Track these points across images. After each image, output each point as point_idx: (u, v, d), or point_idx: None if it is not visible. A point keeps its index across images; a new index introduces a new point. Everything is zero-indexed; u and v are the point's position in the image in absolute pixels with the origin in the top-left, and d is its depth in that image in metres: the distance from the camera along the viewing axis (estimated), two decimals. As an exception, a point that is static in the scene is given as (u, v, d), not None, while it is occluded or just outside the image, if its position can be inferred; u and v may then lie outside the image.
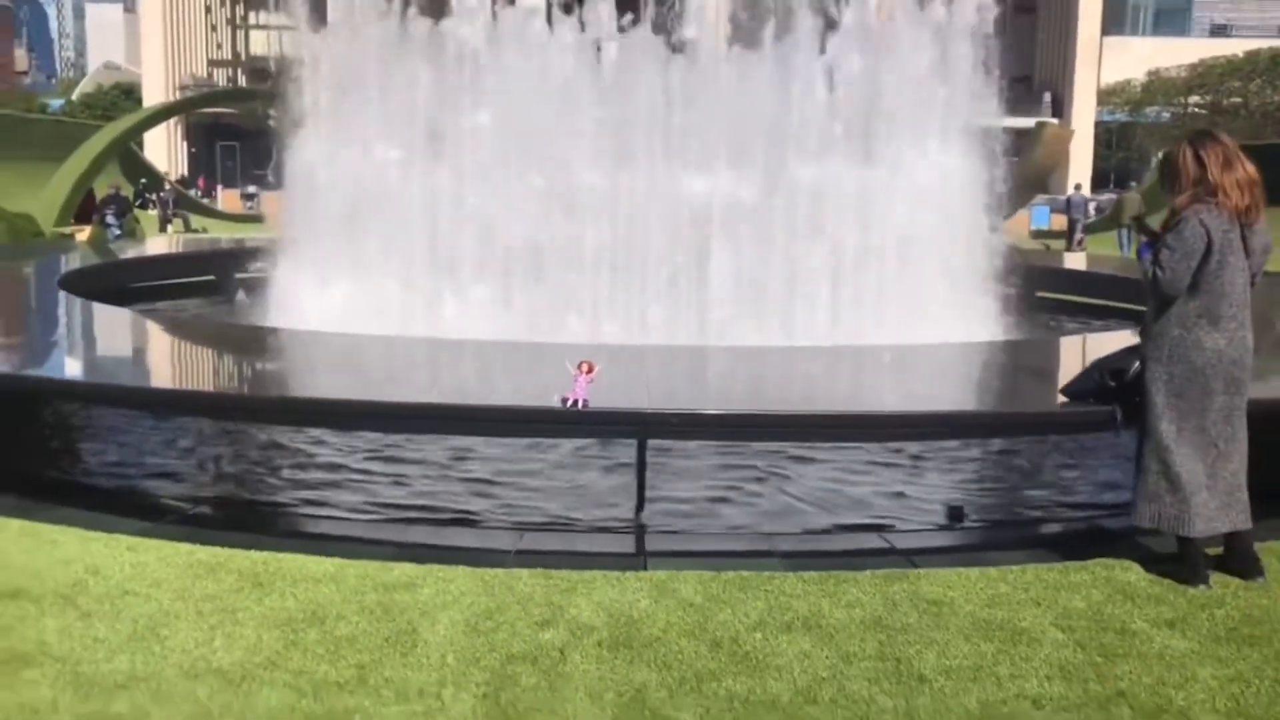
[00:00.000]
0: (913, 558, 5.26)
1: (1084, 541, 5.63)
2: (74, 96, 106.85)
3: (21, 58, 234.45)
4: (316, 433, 7.22)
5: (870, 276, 10.69)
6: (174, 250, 18.00)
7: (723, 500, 6.27)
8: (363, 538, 5.53)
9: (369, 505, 6.15)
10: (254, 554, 5.00)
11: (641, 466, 5.72)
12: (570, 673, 3.90)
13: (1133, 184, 54.75)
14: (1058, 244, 32.11)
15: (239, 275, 14.42)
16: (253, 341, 8.68)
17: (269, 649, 4.02)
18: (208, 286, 14.27)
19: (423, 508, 6.15)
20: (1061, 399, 5.62)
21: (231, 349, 8.38)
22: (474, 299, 10.09)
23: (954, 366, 7.65)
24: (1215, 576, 4.87)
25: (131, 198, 32.04)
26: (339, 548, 5.19)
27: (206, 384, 7.53)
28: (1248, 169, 4.95)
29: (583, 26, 12.38)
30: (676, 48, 12.32)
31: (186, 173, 60.96)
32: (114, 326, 9.11)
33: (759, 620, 4.37)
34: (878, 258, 11.01)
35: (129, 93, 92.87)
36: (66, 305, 9.72)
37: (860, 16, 12.10)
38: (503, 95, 11.16)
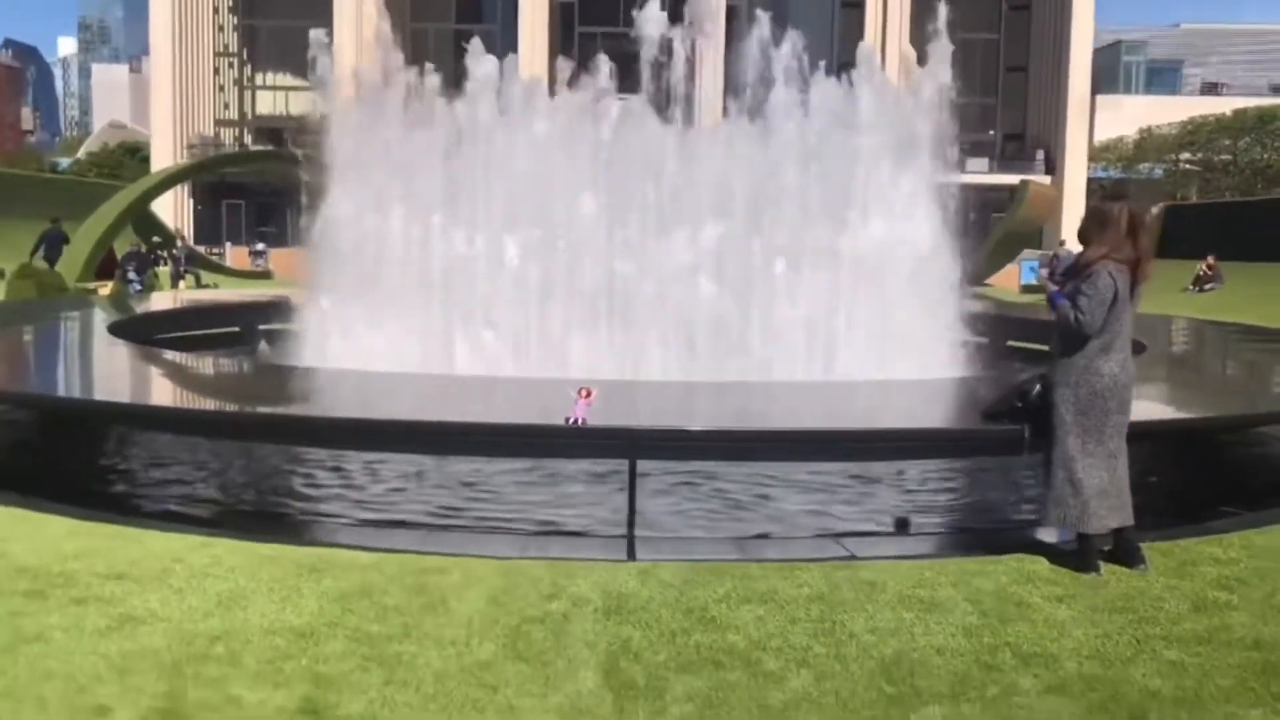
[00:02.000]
0: (859, 554, 6.25)
1: (1008, 542, 6.62)
2: (81, 155, 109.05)
3: (27, 116, 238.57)
4: (345, 455, 8.24)
5: (846, 324, 11.74)
6: (202, 303, 19.05)
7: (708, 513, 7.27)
8: (390, 547, 6.46)
9: (397, 516, 7.16)
10: (307, 549, 6.01)
11: (632, 481, 6.72)
12: (572, 629, 4.90)
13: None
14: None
15: (262, 327, 15.51)
16: (295, 378, 9.74)
17: (330, 614, 5.02)
18: (234, 337, 15.33)
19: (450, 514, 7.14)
20: (985, 419, 6.66)
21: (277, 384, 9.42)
22: (485, 342, 11.17)
23: (905, 399, 8.69)
24: (1106, 567, 5.87)
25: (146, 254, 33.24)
26: (376, 546, 6.19)
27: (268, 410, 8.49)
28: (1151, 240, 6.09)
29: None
30: (670, 116, 13.56)
31: (193, 230, 62.21)
32: (170, 366, 10.18)
33: (725, 595, 5.37)
34: (855, 306, 12.06)
35: (134, 151, 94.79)
36: (113, 348, 10.83)
37: (837, 92, 13.26)
38: (510, 157, 12.32)
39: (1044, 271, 6.81)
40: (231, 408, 8.53)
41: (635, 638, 4.82)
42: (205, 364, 11.05)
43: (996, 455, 7.37)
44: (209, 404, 8.83)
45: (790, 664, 4.59)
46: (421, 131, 13.27)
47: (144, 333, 12.42)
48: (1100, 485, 5.93)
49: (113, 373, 9.82)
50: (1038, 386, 6.13)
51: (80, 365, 10.48)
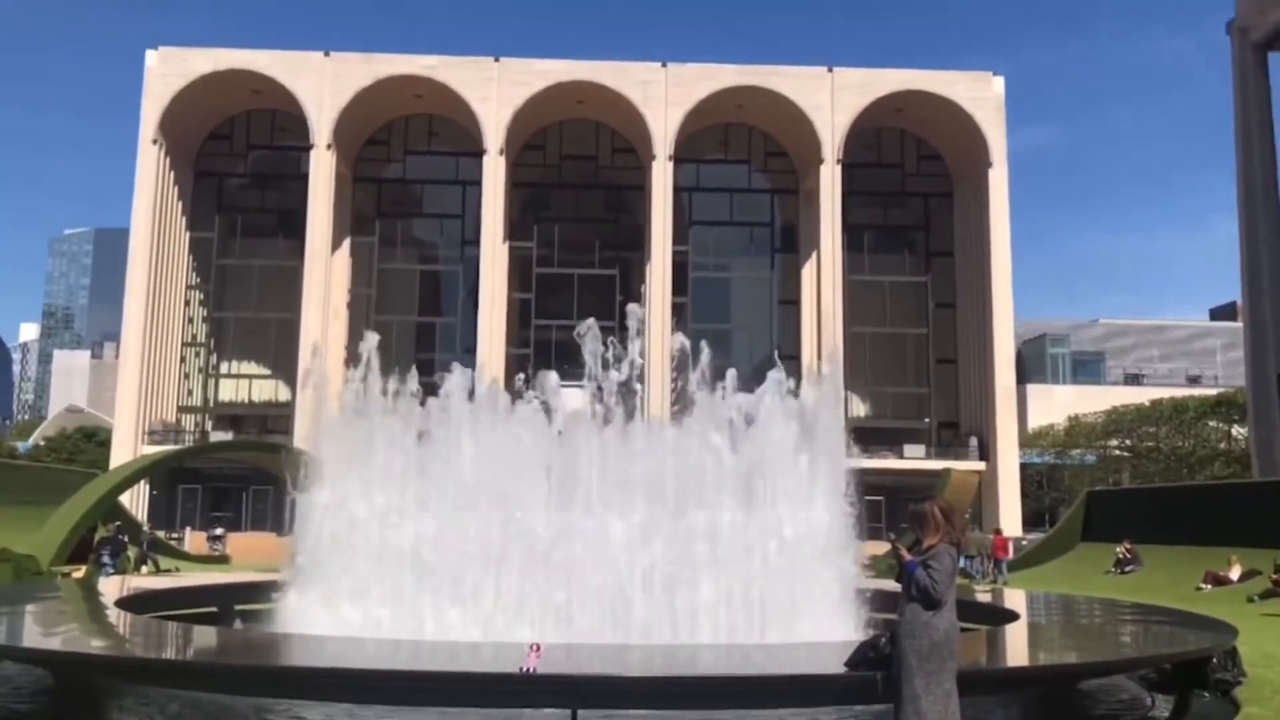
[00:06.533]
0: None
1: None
2: (38, 439, 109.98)
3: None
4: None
5: (758, 597, 13.47)
6: (181, 585, 20.35)
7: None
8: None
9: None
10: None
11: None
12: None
13: (975, 526, 54.54)
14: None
15: (236, 606, 16.92)
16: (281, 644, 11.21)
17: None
18: (211, 616, 16.64)
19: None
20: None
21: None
22: (450, 620, 12.74)
23: (804, 659, 10.33)
24: (947, 784, 7.47)
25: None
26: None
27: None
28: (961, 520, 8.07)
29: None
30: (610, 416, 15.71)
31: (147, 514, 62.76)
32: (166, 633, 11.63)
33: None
34: (765, 583, 13.81)
35: (91, 436, 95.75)
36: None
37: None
38: (473, 457, 14.32)
39: (900, 546, 8.40)
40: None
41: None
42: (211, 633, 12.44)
43: (861, 702, 8.96)
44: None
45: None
46: (393, 429, 15.32)
47: (148, 608, 13.82)
48: (939, 716, 7.59)
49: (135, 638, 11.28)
50: (884, 639, 7.91)
51: (116, 632, 11.87)
